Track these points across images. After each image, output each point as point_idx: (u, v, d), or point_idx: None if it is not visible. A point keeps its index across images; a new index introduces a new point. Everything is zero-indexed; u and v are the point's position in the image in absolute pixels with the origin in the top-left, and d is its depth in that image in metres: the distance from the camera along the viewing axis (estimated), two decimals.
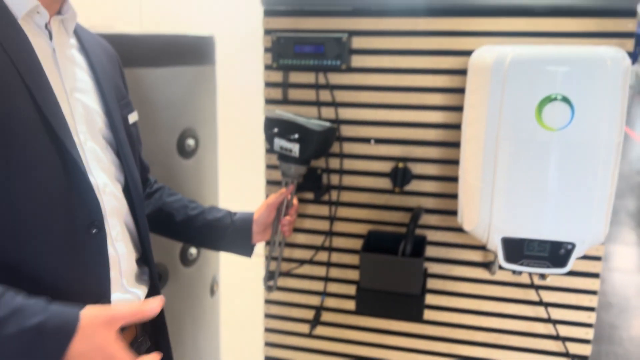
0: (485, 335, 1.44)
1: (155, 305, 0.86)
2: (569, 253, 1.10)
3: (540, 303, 1.38)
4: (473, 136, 1.14)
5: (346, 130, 1.41)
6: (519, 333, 1.41)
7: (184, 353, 1.64)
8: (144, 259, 1.08)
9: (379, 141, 1.40)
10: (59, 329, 0.77)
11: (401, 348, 1.50)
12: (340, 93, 1.40)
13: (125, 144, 1.04)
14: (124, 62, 1.20)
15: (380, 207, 1.44)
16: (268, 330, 1.59)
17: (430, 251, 1.43)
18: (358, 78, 1.38)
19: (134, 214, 1.05)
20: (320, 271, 1.51)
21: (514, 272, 1.33)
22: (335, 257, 1.50)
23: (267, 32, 1.41)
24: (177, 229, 1.27)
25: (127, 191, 1.04)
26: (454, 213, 1.39)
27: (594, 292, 1.36)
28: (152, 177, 1.32)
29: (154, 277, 1.09)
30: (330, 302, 1.53)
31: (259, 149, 1.51)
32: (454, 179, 1.36)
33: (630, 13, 1.22)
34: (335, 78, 1.39)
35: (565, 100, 1.01)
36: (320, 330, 1.55)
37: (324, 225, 1.49)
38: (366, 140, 1.41)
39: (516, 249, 1.11)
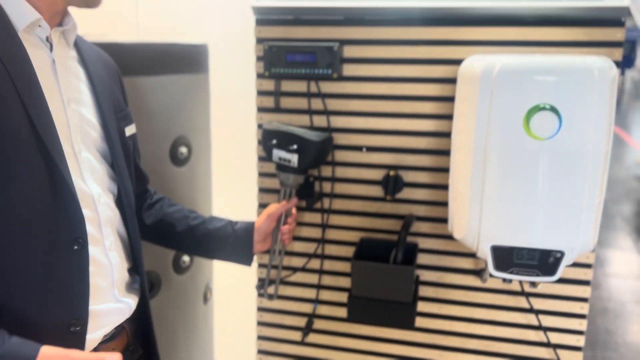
0: (477, 343, 1.44)
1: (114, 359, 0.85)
2: (558, 261, 1.10)
3: (531, 310, 1.38)
4: (462, 145, 1.15)
5: (338, 138, 1.42)
6: (511, 340, 1.42)
7: None
8: (135, 268, 1.09)
9: (371, 149, 1.41)
10: None
11: (393, 355, 1.50)
12: (332, 101, 1.40)
13: (120, 156, 1.05)
14: None
15: (372, 214, 1.45)
16: (261, 337, 1.59)
17: (422, 259, 1.44)
18: (349, 87, 1.39)
19: (126, 225, 1.05)
20: (313, 279, 1.52)
21: (504, 280, 1.34)
22: (328, 265, 1.50)
23: (259, 40, 1.41)
24: (179, 239, 1.28)
25: (120, 202, 1.04)
26: (445, 221, 1.39)
27: (584, 300, 1.37)
28: (152, 188, 1.33)
29: (144, 287, 1.10)
30: (323, 310, 1.53)
31: (252, 157, 1.51)
32: (445, 187, 1.37)
33: (618, 23, 1.23)
34: (327, 86, 1.40)
35: (553, 109, 1.02)
36: (312, 337, 1.55)
37: (316, 232, 1.49)
38: (358, 148, 1.42)
39: (505, 257, 1.12)
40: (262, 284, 1.53)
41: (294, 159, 1.32)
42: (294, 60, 1.37)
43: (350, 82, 1.38)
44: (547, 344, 1.39)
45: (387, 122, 1.38)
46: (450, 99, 1.31)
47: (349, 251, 1.48)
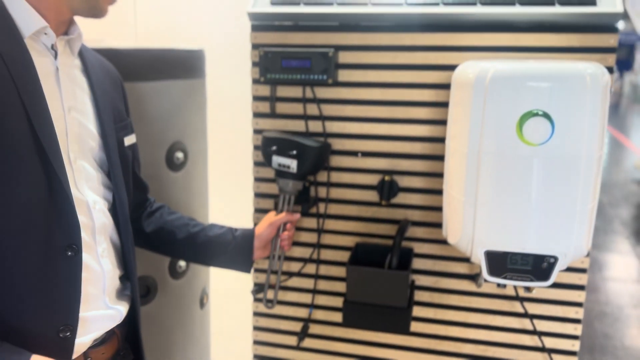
0: (472, 348, 1.44)
1: None
2: (551, 266, 1.11)
3: (526, 315, 1.39)
4: (456, 150, 1.15)
5: (333, 144, 1.42)
6: (506, 345, 1.42)
7: None
8: (127, 275, 1.09)
9: (366, 154, 1.41)
10: None
11: None
12: (327, 107, 1.41)
13: (117, 165, 1.06)
14: None
15: (367, 219, 1.45)
16: (257, 342, 1.59)
17: (417, 263, 1.44)
18: (345, 92, 1.39)
19: (119, 232, 1.06)
20: (309, 283, 1.52)
21: (498, 285, 1.34)
22: (323, 270, 1.51)
23: (255, 46, 1.42)
24: (179, 247, 1.29)
25: (114, 210, 1.05)
26: (440, 225, 1.40)
27: (579, 304, 1.37)
28: (152, 197, 1.34)
29: (135, 294, 1.10)
30: (319, 315, 1.53)
31: (248, 162, 1.52)
32: (441, 192, 1.37)
33: (611, 29, 1.24)
34: (322, 92, 1.40)
35: (546, 115, 1.03)
36: (308, 342, 1.55)
37: (311, 237, 1.49)
38: (353, 153, 1.42)
39: (499, 262, 1.12)
40: (258, 288, 1.53)
41: (293, 164, 1.34)
42: (289, 65, 1.38)
43: (345, 87, 1.39)
44: (542, 349, 1.40)
45: (382, 127, 1.39)
46: (445, 105, 1.32)
47: (344, 256, 1.48)
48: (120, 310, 1.03)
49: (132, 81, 1.40)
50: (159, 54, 1.50)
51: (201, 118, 1.69)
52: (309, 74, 1.37)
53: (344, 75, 1.38)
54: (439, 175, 1.37)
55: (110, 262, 1.02)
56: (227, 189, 1.98)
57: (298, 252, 1.51)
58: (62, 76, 0.95)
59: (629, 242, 5.04)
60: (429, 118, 1.35)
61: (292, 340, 1.56)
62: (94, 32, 1.03)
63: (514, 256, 1.11)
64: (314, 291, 1.52)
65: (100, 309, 0.98)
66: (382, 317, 1.33)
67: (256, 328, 1.58)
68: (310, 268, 1.51)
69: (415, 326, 1.47)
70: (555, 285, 1.36)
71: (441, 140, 1.34)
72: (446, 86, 1.31)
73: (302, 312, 1.54)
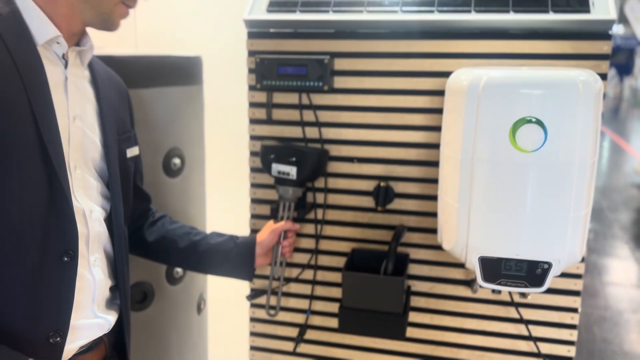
0: (468, 353, 1.44)
1: None
2: (545, 272, 1.11)
3: (521, 321, 1.39)
4: (450, 157, 1.16)
5: (330, 150, 1.43)
6: (502, 351, 1.42)
7: None
8: (118, 286, 1.10)
9: (362, 160, 1.42)
10: None
11: None
12: (323, 113, 1.42)
13: (116, 176, 1.08)
14: None
15: (364, 225, 1.46)
16: (253, 348, 1.59)
17: (413, 269, 1.44)
18: (340, 99, 1.40)
19: (113, 243, 1.07)
20: (305, 289, 1.52)
21: (493, 291, 1.35)
22: (320, 275, 1.51)
23: (251, 53, 1.43)
24: (181, 255, 1.30)
25: (109, 221, 1.06)
26: (436, 231, 1.40)
27: (575, 310, 1.37)
28: (154, 207, 1.36)
29: (125, 304, 1.11)
30: (315, 320, 1.53)
31: (245, 168, 1.52)
32: (436, 198, 1.37)
33: (605, 36, 1.25)
34: (318, 99, 1.41)
35: (538, 122, 1.03)
36: (305, 348, 1.55)
37: (308, 243, 1.50)
38: (349, 159, 1.43)
39: (493, 268, 1.13)
40: (254, 294, 1.53)
41: (292, 171, 1.36)
42: (285, 72, 1.39)
43: (341, 94, 1.40)
44: (538, 355, 1.40)
45: (377, 133, 1.39)
46: (440, 111, 1.33)
47: (341, 261, 1.49)
48: (108, 320, 1.04)
49: (130, 88, 1.41)
50: (156, 60, 1.51)
51: (199, 124, 1.70)
52: (304, 81, 1.38)
53: (339, 82, 1.39)
54: (435, 181, 1.37)
55: (102, 271, 1.03)
56: (223, 195, 1.99)
57: (295, 257, 1.52)
58: (70, 86, 0.97)
59: (628, 246, 5.04)
60: (424, 124, 1.36)
61: (288, 346, 1.56)
62: (96, 39, 1.05)
63: (508, 262, 1.12)
64: (312, 297, 1.52)
65: (88, 318, 0.99)
66: (377, 323, 1.33)
67: (253, 334, 1.59)
68: (308, 274, 1.51)
69: (411, 332, 1.47)
70: (551, 291, 1.36)
71: (436, 146, 1.35)
72: (441, 93, 1.32)
73: (299, 318, 1.54)
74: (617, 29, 17.99)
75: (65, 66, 0.97)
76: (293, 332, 1.55)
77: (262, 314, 1.56)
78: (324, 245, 1.49)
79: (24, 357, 0.83)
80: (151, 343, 1.58)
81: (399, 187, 1.41)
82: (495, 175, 1.08)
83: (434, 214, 1.39)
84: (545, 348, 1.39)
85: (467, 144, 1.10)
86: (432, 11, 1.31)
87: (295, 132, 1.44)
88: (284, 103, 1.44)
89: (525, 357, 1.41)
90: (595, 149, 1.10)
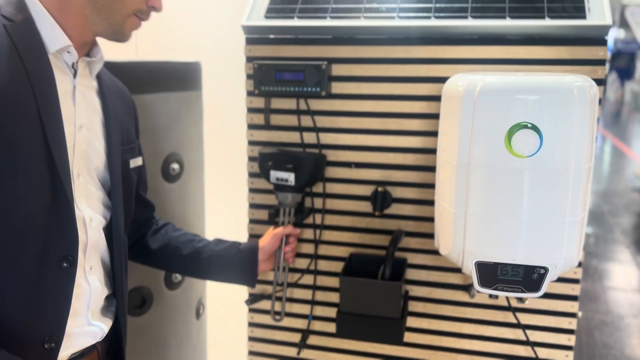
0: (466, 358, 1.44)
1: None
2: (542, 277, 1.11)
3: (518, 326, 1.39)
4: (446, 162, 1.17)
5: (327, 155, 1.44)
6: (500, 355, 1.42)
7: None
8: (115, 294, 1.10)
9: (359, 165, 1.42)
10: None
11: None
12: (321, 118, 1.42)
13: (119, 186, 1.09)
14: None
15: (361, 230, 1.46)
16: (252, 353, 1.59)
17: (411, 274, 1.45)
18: (338, 104, 1.41)
19: (111, 253, 1.07)
20: (304, 294, 1.52)
21: (490, 295, 1.35)
22: (318, 280, 1.51)
23: (249, 59, 1.44)
24: (185, 262, 1.31)
25: (109, 230, 1.07)
26: (433, 236, 1.40)
27: (573, 315, 1.37)
28: (157, 216, 1.37)
29: (121, 312, 1.11)
30: (315, 325, 1.53)
31: (243, 173, 1.53)
32: (434, 203, 1.38)
33: (601, 41, 1.25)
34: (316, 104, 1.42)
35: (534, 128, 1.04)
36: (303, 353, 1.55)
37: (307, 248, 1.50)
38: (347, 164, 1.43)
39: (490, 273, 1.13)
40: (253, 298, 1.54)
41: (290, 177, 1.36)
42: (282, 78, 1.40)
43: (338, 99, 1.40)
44: (535, 359, 1.40)
45: (375, 138, 1.40)
46: (437, 116, 1.33)
47: (339, 266, 1.49)
48: (102, 328, 1.04)
49: (130, 93, 1.42)
50: (156, 66, 1.52)
51: (197, 129, 1.70)
52: (302, 87, 1.39)
53: (337, 87, 1.40)
54: (432, 186, 1.38)
55: (98, 279, 1.03)
56: (222, 200, 1.99)
57: (294, 263, 1.52)
58: (78, 95, 0.99)
59: (629, 251, 5.03)
60: (422, 129, 1.37)
61: (287, 351, 1.56)
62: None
63: (505, 267, 1.12)
64: (312, 302, 1.52)
65: (82, 326, 0.99)
66: (375, 328, 1.33)
67: (251, 339, 1.59)
68: (306, 279, 1.52)
69: (409, 337, 1.47)
70: (548, 296, 1.36)
71: (434, 151, 1.35)
72: (437, 98, 1.33)
73: (297, 323, 1.54)
74: (618, 33, 18.02)
75: (74, 75, 0.98)
76: (292, 337, 1.55)
77: (260, 319, 1.57)
78: (323, 250, 1.49)
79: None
80: (150, 348, 1.58)
81: (397, 192, 1.41)
82: (491, 180, 1.08)
83: (431, 219, 1.40)
84: (543, 353, 1.39)
85: (463, 149, 1.10)
86: (429, 17, 1.32)
87: (293, 137, 1.45)
88: (281, 108, 1.44)
89: None
90: (591, 154, 1.11)
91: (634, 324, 3.67)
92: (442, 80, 1.30)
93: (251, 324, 1.58)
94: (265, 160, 1.39)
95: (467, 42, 1.31)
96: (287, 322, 1.55)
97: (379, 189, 1.41)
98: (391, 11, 1.35)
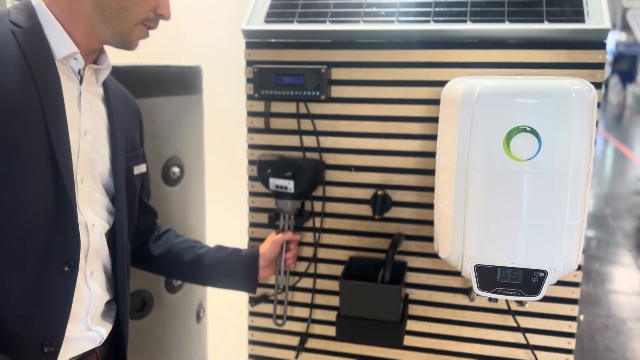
0: None
1: None
2: (541, 280, 1.11)
3: (518, 329, 1.39)
4: (445, 165, 1.17)
5: (327, 158, 1.44)
6: (500, 359, 1.42)
7: None
8: (116, 299, 1.10)
9: (359, 169, 1.43)
10: None
11: None
12: (320, 122, 1.43)
13: (122, 192, 1.09)
14: None
15: (361, 233, 1.46)
16: (252, 356, 1.60)
17: (411, 277, 1.45)
18: (337, 108, 1.41)
19: (113, 258, 1.08)
20: (304, 297, 1.53)
21: (489, 299, 1.34)
22: (318, 284, 1.51)
23: (249, 63, 1.44)
24: (186, 268, 1.32)
25: (112, 236, 1.07)
26: (433, 239, 1.40)
27: (573, 318, 1.37)
28: (159, 222, 1.37)
29: (122, 317, 1.11)
30: (314, 329, 1.53)
31: (243, 176, 1.53)
32: (433, 206, 1.38)
33: (600, 45, 1.26)
34: (316, 108, 1.42)
35: (532, 131, 1.04)
36: (303, 356, 1.55)
37: (307, 251, 1.50)
38: (347, 168, 1.44)
39: (489, 277, 1.13)
40: (256, 299, 1.54)
41: (290, 185, 1.37)
42: (282, 82, 1.40)
43: (338, 103, 1.41)
44: None
45: (374, 142, 1.40)
46: (436, 120, 1.33)
47: (339, 270, 1.49)
48: (101, 333, 1.04)
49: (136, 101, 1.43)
50: (156, 70, 1.53)
51: (198, 133, 1.71)
52: (302, 90, 1.39)
53: (336, 91, 1.40)
54: (432, 189, 1.38)
55: (99, 284, 1.04)
56: (222, 204, 2.00)
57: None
58: (83, 101, 1.00)
59: (631, 254, 5.02)
60: (421, 133, 1.37)
61: (287, 354, 1.56)
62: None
63: (504, 270, 1.12)
64: (311, 305, 1.52)
65: (81, 331, 0.99)
66: (375, 331, 1.33)
67: (252, 342, 1.59)
68: (306, 282, 1.52)
69: (409, 340, 1.47)
70: (548, 299, 1.36)
71: (433, 154, 1.35)
72: (437, 102, 1.33)
73: (297, 326, 1.54)
74: (620, 36, 18.01)
75: (80, 82, 0.99)
76: (291, 340, 1.55)
77: (261, 322, 1.57)
78: (322, 253, 1.50)
79: None
80: (150, 352, 1.58)
81: (397, 196, 1.42)
82: (490, 183, 1.08)
83: (431, 222, 1.40)
84: (543, 356, 1.39)
85: (462, 153, 1.10)
86: (428, 21, 1.32)
87: (292, 140, 1.45)
88: (281, 112, 1.45)
89: None
90: (590, 158, 1.11)
91: (636, 328, 3.66)
92: (442, 83, 1.30)
93: (251, 328, 1.58)
94: (264, 167, 1.40)
95: (466, 45, 1.31)
96: (287, 325, 1.55)
97: (379, 192, 1.41)
98: (390, 15, 1.35)
